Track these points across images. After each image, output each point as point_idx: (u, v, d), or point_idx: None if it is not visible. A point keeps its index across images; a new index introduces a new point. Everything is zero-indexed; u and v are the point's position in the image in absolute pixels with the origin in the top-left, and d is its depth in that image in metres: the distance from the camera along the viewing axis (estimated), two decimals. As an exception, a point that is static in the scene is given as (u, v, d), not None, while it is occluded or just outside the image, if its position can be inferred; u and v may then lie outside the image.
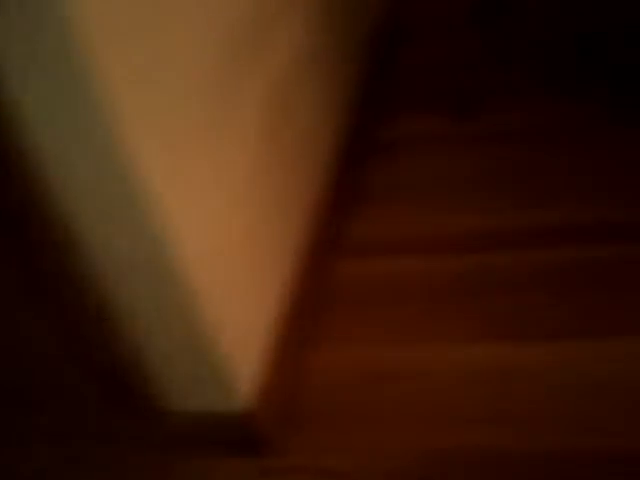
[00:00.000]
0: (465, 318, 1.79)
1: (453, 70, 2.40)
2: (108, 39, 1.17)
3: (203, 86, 1.46)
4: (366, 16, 2.52)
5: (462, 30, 2.53)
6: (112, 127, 1.20)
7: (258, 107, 1.69)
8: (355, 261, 1.98)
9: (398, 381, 1.70)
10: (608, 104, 2.20)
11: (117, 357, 1.49)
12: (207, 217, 1.47)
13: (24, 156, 1.24)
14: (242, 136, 1.62)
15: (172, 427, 1.61)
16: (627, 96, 2.20)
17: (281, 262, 1.78)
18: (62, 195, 1.29)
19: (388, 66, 2.54)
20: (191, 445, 1.65)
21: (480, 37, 2.48)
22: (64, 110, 1.19)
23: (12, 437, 1.67)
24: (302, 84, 1.95)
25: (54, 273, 1.36)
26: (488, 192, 2.08)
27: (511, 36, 2.48)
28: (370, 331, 1.82)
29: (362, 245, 2.02)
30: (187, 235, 1.40)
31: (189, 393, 1.57)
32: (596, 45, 2.35)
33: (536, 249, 1.91)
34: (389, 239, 2.01)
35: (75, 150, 1.24)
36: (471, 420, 1.60)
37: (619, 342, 1.67)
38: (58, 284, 1.38)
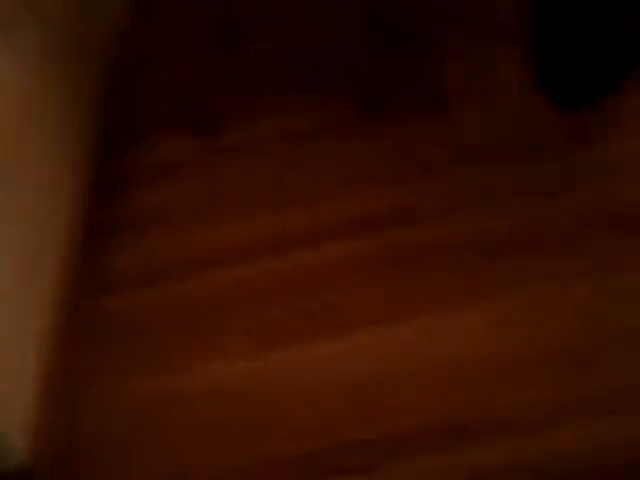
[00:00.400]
0: (232, 333, 1.82)
1: (197, 90, 2.36)
2: None
3: None
4: (103, 44, 2.40)
5: (204, 50, 2.48)
6: None
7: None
8: (116, 294, 1.96)
9: (178, 405, 1.73)
10: (355, 101, 2.22)
11: None
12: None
13: None
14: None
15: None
16: (373, 93, 2.23)
17: (36, 309, 1.73)
18: None
19: (130, 92, 2.45)
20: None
21: (223, 56, 2.45)
22: None
23: None
24: (36, 121, 1.88)
25: None
26: (242, 204, 2.08)
27: (256, 52, 2.44)
28: (141, 361, 1.82)
29: (121, 276, 2.00)
30: None
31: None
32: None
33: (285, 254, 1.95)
34: (147, 268, 2.00)
35: None
36: (263, 433, 1.65)
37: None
38: None
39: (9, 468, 1.53)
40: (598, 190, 1.91)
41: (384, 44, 2.30)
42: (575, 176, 1.95)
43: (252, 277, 1.92)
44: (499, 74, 2.18)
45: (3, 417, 1.51)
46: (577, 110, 1.94)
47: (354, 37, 2.33)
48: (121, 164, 2.25)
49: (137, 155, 2.26)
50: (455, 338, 1.72)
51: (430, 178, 2.02)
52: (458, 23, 2.37)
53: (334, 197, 2.04)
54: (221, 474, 1.62)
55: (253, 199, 2.08)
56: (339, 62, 2.34)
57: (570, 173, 1.96)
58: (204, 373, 1.77)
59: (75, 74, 2.14)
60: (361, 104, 2.24)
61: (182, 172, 2.19)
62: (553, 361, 1.65)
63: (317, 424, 1.65)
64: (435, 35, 2.32)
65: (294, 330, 1.80)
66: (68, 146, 2.04)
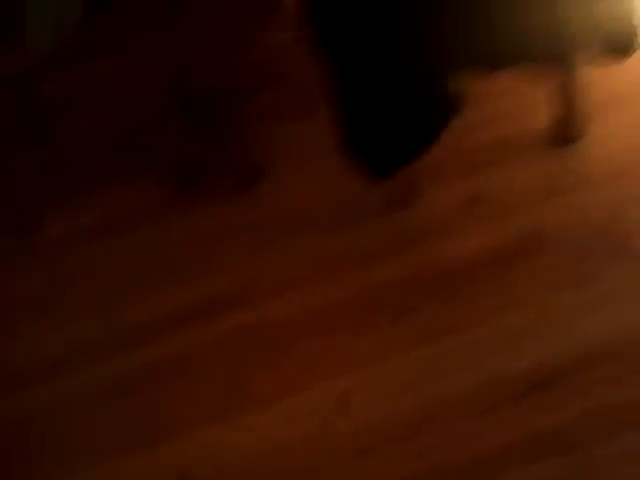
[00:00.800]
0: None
1: (14, 188, 2.28)
2: None
3: None
4: None
5: (14, 146, 2.38)
6: None
7: None
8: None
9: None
10: (170, 182, 2.18)
11: None
12: None
13: None
14: None
15: None
16: (187, 171, 2.21)
17: None
18: None
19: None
20: None
21: (33, 149, 2.36)
22: None
23: None
24: None
25: None
26: (64, 306, 2.02)
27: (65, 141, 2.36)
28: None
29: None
30: None
31: None
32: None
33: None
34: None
35: None
36: None
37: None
38: None
39: None
40: (419, 251, 1.95)
41: (193, 117, 2.28)
42: (395, 239, 1.98)
43: (76, 385, 1.86)
44: (312, 143, 2.19)
45: None
46: (389, 175, 1.95)
47: (161, 113, 2.29)
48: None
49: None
50: (299, 422, 1.71)
51: (253, 258, 2.01)
52: (267, 91, 2.37)
53: (155, 290, 1.99)
54: None
55: (76, 301, 2.02)
56: (150, 141, 2.30)
57: (390, 237, 1.99)
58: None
59: None
60: (176, 184, 2.20)
61: (5, 274, 2.11)
62: (400, 435, 1.66)
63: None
64: (244, 105, 2.31)
65: (137, 435, 1.77)
66: None
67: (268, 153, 2.20)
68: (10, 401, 1.88)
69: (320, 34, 1.80)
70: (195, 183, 2.20)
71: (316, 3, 1.79)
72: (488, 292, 1.84)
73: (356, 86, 1.88)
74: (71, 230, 2.17)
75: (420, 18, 1.78)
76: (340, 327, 1.83)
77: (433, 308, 1.83)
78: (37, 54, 2.15)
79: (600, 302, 1.78)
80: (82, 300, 2.02)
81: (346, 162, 1.92)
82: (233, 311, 1.91)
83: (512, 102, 2.20)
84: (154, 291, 1.99)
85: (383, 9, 1.76)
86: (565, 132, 2.12)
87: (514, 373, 1.69)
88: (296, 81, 2.33)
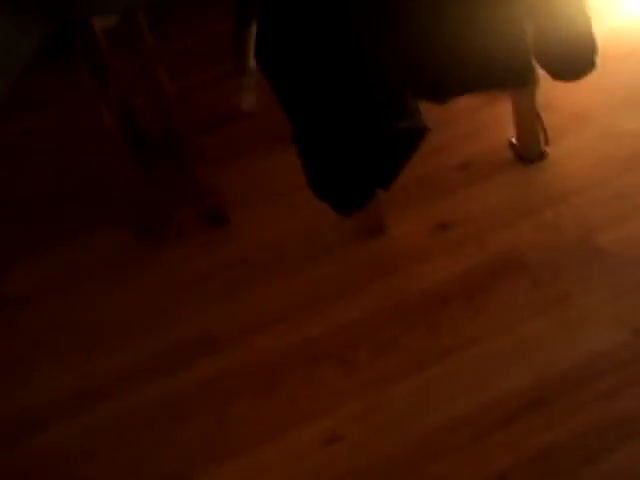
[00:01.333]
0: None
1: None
2: None
3: None
4: None
5: None
6: None
7: None
8: None
9: None
10: (134, 227, 2.14)
11: None
12: None
13: None
14: None
15: None
16: (150, 215, 2.17)
17: None
18: None
19: None
20: None
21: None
22: None
23: None
24: None
25: None
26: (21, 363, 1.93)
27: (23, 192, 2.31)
28: None
29: None
30: None
31: None
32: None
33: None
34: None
35: None
36: None
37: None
38: None
39: None
40: (392, 281, 1.91)
41: (152, 162, 2.22)
42: (367, 271, 1.95)
43: (47, 442, 1.77)
44: (274, 180, 2.16)
45: None
46: (356, 208, 1.92)
47: (119, 158, 2.22)
48: None
49: None
50: (287, 465, 1.65)
51: (225, 302, 1.96)
52: (224, 130, 2.33)
53: (126, 340, 1.92)
54: None
55: (42, 354, 1.93)
56: (110, 188, 2.24)
57: (361, 269, 1.95)
58: None
59: None
60: (141, 230, 2.15)
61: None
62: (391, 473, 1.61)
63: None
64: (199, 145, 2.26)
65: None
66: None
67: (231, 193, 2.16)
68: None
69: (273, 77, 1.77)
70: (156, 230, 2.15)
71: (264, 46, 1.76)
72: (466, 318, 1.81)
73: (314, 125, 1.84)
74: (32, 284, 2.10)
75: (380, 48, 1.76)
76: (321, 365, 1.79)
77: (412, 338, 1.80)
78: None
79: (578, 322, 1.78)
80: (49, 353, 1.94)
81: (310, 196, 1.89)
82: (209, 357, 1.85)
83: (469, 125, 2.21)
84: (125, 340, 1.92)
85: (340, 42, 1.74)
86: (525, 153, 2.13)
87: (501, 398, 1.66)
88: (254, 119, 2.30)
